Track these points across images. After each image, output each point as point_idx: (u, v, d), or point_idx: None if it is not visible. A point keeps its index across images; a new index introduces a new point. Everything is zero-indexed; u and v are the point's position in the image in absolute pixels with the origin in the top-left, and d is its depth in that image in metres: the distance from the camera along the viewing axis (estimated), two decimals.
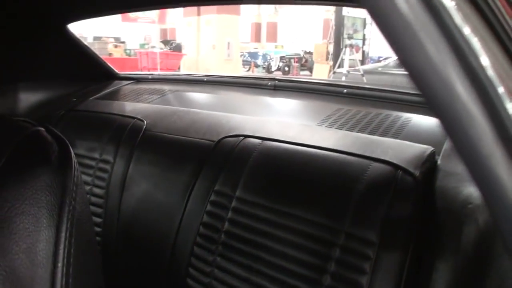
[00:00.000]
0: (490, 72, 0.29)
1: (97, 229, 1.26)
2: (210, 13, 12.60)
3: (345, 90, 1.45)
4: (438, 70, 0.28)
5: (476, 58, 0.28)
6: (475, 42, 0.29)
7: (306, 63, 17.12)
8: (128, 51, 16.66)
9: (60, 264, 0.54)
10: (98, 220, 1.26)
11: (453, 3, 0.28)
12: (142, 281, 1.21)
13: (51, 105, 1.68)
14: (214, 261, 1.02)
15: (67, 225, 0.56)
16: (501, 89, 0.29)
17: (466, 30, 0.28)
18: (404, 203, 0.86)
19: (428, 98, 0.29)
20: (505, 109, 0.29)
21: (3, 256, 0.51)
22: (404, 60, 0.29)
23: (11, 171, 0.55)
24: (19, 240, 0.52)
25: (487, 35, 0.33)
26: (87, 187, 1.30)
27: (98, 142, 1.34)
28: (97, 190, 1.29)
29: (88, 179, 1.31)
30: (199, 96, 1.68)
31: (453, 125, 0.29)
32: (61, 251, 0.55)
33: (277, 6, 19.52)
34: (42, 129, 0.62)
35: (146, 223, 1.20)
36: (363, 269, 0.84)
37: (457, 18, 0.28)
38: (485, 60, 0.29)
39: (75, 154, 1.38)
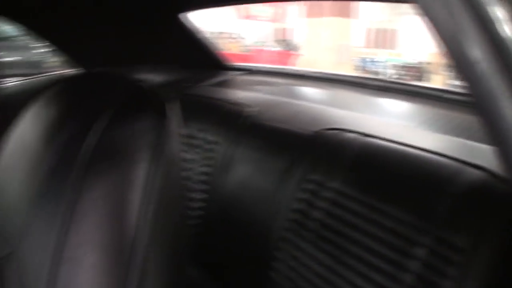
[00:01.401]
0: None
1: (202, 204, 1.37)
2: (328, 15, 12.59)
3: (445, 95, 1.42)
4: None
5: None
6: None
7: (420, 73, 16.33)
8: (244, 48, 17.10)
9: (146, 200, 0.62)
10: (204, 196, 1.37)
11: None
12: (229, 258, 1.29)
13: (164, 88, 1.82)
14: (301, 247, 1.06)
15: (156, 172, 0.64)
16: None
17: None
18: (499, 211, 0.83)
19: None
20: None
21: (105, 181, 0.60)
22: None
23: (118, 125, 0.64)
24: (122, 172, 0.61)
25: None
26: (196, 165, 1.41)
27: (206, 124, 1.45)
28: (203, 169, 1.40)
29: (197, 157, 1.42)
30: (305, 90, 1.73)
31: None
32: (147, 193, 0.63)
33: (397, 12, 18.80)
34: (144, 87, 0.70)
35: (242, 204, 1.27)
36: (451, 274, 0.81)
37: None
38: None
39: (186, 135, 1.49)
